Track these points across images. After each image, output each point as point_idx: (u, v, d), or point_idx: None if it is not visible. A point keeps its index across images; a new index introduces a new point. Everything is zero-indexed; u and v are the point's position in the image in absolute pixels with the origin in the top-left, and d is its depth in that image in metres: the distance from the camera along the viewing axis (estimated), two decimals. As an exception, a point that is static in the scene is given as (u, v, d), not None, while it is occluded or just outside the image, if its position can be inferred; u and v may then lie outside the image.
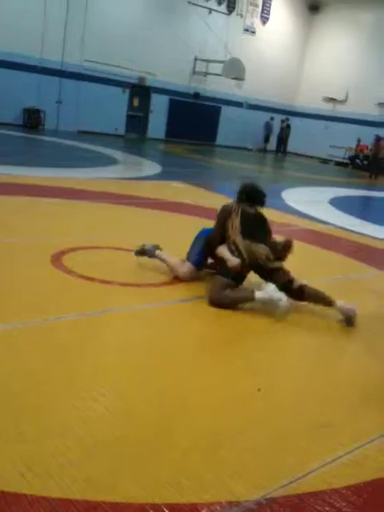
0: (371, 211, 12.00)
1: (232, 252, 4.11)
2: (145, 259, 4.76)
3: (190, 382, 2.92)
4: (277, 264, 4.13)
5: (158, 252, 4.71)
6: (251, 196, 4.35)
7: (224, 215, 4.30)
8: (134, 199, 8.02)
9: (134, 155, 15.26)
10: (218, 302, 3.98)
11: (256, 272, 4.21)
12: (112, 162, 12.58)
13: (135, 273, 4.63)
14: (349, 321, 3.96)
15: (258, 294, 3.92)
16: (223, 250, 4.15)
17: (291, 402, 2.89)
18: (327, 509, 2.08)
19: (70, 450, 2.19)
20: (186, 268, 4.48)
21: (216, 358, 3.29)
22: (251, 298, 3.96)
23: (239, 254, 4.07)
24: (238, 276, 4.10)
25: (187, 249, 4.64)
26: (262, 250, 4.12)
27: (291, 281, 4.06)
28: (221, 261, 4.21)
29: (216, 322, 3.85)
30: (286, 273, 4.11)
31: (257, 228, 4.27)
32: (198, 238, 4.61)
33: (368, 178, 17.50)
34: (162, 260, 4.67)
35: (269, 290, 3.91)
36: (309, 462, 2.34)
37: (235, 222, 4.19)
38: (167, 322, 3.71)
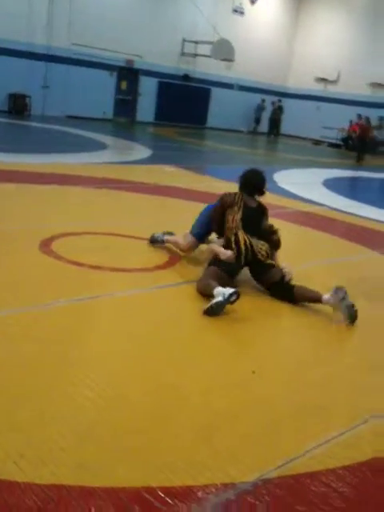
0: (365, 192, 11.97)
1: (229, 244, 4.01)
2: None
3: (183, 366, 2.90)
4: (271, 261, 4.04)
5: (166, 237, 4.84)
6: (252, 183, 4.28)
7: (225, 204, 4.22)
8: (125, 184, 7.94)
9: (123, 139, 15.11)
10: (199, 290, 3.85)
11: (250, 267, 4.10)
12: (101, 146, 12.46)
13: (127, 258, 4.58)
14: (350, 317, 3.65)
15: (216, 291, 3.61)
16: (214, 246, 4.13)
17: (285, 385, 2.87)
18: (323, 489, 2.08)
19: (63, 436, 2.17)
20: (187, 239, 4.58)
21: (209, 343, 3.27)
22: (211, 293, 3.65)
23: (238, 249, 3.98)
24: (231, 269, 3.98)
25: (186, 229, 4.65)
26: (261, 245, 4.03)
27: (283, 277, 3.94)
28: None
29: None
30: (279, 270, 3.99)
31: (257, 222, 4.19)
32: (202, 213, 4.65)
33: (355, 161, 17.28)
34: (169, 241, 4.82)
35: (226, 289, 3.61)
36: (304, 443, 2.34)
37: (237, 217, 4.10)
38: (159, 307, 3.68)
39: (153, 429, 2.30)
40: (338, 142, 22.81)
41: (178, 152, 13.82)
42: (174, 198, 7.40)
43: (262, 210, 4.30)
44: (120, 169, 9.63)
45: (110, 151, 12.38)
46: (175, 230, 4.99)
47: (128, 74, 20.54)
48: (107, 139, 14.01)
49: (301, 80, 25.29)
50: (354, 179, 13.69)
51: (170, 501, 1.91)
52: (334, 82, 24.57)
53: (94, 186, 7.43)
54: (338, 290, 3.67)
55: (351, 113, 21.78)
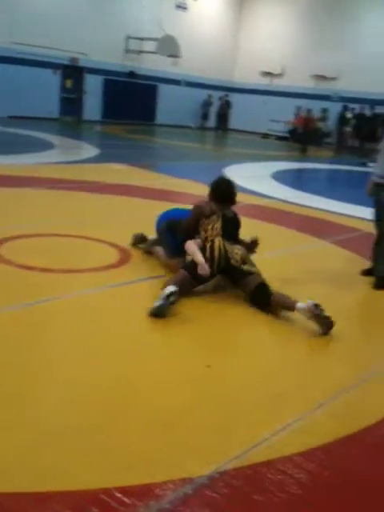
0: (312, 183, 12.20)
1: (203, 252, 3.91)
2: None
3: (138, 364, 2.89)
4: (250, 267, 3.88)
5: (155, 248, 4.66)
6: (224, 193, 4.19)
7: (201, 215, 4.10)
8: (74, 183, 7.82)
9: (70, 138, 14.89)
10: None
11: (227, 275, 3.99)
12: (48, 146, 12.23)
13: (78, 259, 4.53)
14: (325, 325, 3.42)
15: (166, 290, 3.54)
16: (195, 252, 3.91)
17: (241, 376, 2.90)
18: (279, 477, 2.11)
19: (17, 443, 2.12)
20: (173, 262, 4.35)
21: (164, 339, 3.27)
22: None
23: (211, 258, 3.89)
24: (202, 277, 3.89)
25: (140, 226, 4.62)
26: (237, 250, 3.93)
27: (263, 284, 3.80)
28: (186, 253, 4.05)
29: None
30: (257, 276, 3.86)
31: (234, 231, 4.16)
32: (160, 229, 4.52)
33: (299, 152, 17.40)
34: (155, 253, 4.65)
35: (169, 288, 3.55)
36: (260, 432, 2.36)
37: (216, 225, 4.03)
38: (112, 306, 3.65)
39: (108, 429, 2.28)
40: (285, 135, 23.16)
41: (126, 150, 13.73)
42: (124, 196, 7.34)
43: (237, 220, 4.25)
44: (68, 168, 9.48)
45: (58, 151, 12.18)
46: (129, 227, 4.95)
47: (73, 72, 20.22)
48: (54, 139, 13.77)
49: (246, 74, 25.51)
50: (301, 171, 13.94)
51: (127, 501, 1.90)
52: (278, 76, 24.90)
53: (43, 187, 7.29)
54: (315, 306, 3.42)
55: (296, 105, 22.16)
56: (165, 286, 3.64)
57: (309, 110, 18.19)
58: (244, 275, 3.85)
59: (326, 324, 3.39)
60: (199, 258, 3.86)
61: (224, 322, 3.60)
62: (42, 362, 2.78)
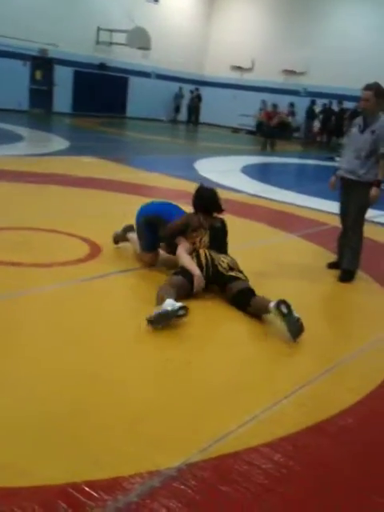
0: (281, 177, 12.30)
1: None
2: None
3: (108, 359, 2.89)
4: (235, 273, 3.85)
5: (129, 235, 4.68)
6: (209, 202, 4.16)
7: (187, 224, 4.08)
8: (43, 177, 7.73)
9: (40, 131, 14.69)
10: (157, 296, 3.55)
11: (215, 283, 3.90)
12: (17, 138, 12.05)
13: (48, 253, 4.48)
14: (294, 331, 3.32)
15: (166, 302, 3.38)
16: (192, 263, 3.86)
17: (210, 370, 2.93)
18: (246, 467, 2.15)
19: (-18, 439, 2.11)
20: (147, 257, 4.43)
21: (131, 333, 3.27)
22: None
23: (198, 266, 3.85)
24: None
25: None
26: (223, 258, 3.93)
27: (249, 289, 3.74)
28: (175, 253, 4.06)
29: (132, 297, 3.82)
30: (243, 281, 3.82)
31: (222, 240, 4.14)
32: (139, 224, 4.45)
33: (261, 148, 16.55)
34: (132, 243, 4.66)
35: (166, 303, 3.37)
36: (227, 424, 2.40)
37: (205, 239, 4.01)
38: (82, 301, 3.63)
39: (77, 423, 2.28)
40: (255, 129, 23.28)
41: (97, 143, 13.62)
42: (94, 189, 7.29)
43: (225, 228, 4.21)
44: (38, 161, 9.36)
45: (27, 143, 12.01)
46: (100, 221, 4.89)
47: (42, 64, 19.94)
48: (23, 131, 13.57)
49: (217, 68, 25.55)
50: (270, 165, 14.04)
51: (95, 494, 1.91)
52: (249, 70, 25.00)
53: (11, 180, 7.19)
54: (280, 303, 3.37)
55: (266, 100, 22.29)
56: (163, 291, 3.51)
57: (274, 105, 17.91)
58: (230, 280, 3.79)
59: (295, 328, 3.29)
60: (197, 270, 3.80)
61: (195, 318, 3.62)
62: (8, 356, 2.76)
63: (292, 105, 22.20)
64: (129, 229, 4.72)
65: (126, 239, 4.77)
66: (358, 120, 4.64)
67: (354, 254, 4.65)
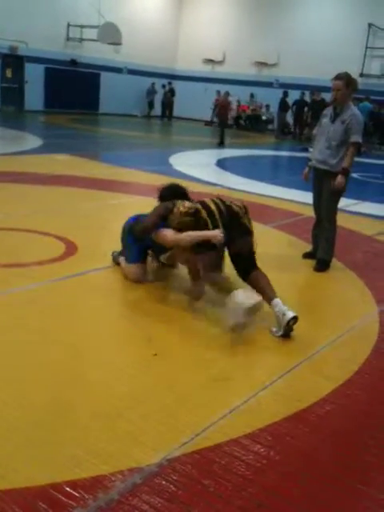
0: (255, 169, 12.34)
1: (198, 215, 3.53)
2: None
3: (83, 358, 2.87)
4: (249, 223, 3.69)
5: (120, 258, 4.15)
6: (178, 193, 3.92)
7: (167, 207, 3.69)
8: (15, 175, 7.64)
9: (11, 129, 14.49)
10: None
11: (232, 227, 3.59)
12: (-12, 138, 11.88)
13: (21, 252, 4.43)
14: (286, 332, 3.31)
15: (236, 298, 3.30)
16: (194, 234, 3.50)
17: (187, 363, 2.93)
18: (227, 460, 2.16)
19: None
20: (132, 270, 3.97)
21: (107, 331, 3.25)
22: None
23: (210, 214, 3.52)
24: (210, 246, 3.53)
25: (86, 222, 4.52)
26: (236, 201, 3.72)
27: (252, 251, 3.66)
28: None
29: (109, 295, 3.80)
30: (252, 242, 3.69)
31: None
32: (123, 237, 4.10)
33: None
34: (121, 263, 4.15)
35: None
36: (207, 417, 2.41)
37: (187, 203, 3.63)
38: (56, 300, 3.60)
39: (55, 424, 2.27)
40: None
41: (70, 140, 13.49)
42: (69, 187, 7.22)
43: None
44: (10, 160, 9.24)
45: (-2, 142, 11.84)
46: (75, 219, 4.85)
47: (13, 61, 19.65)
48: (-6, 130, 13.38)
49: (189, 62, 25.46)
50: (244, 158, 14.06)
51: (77, 494, 1.90)
52: (220, 63, 24.98)
53: (-18, 181, 7.08)
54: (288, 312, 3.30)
55: (239, 92, 22.30)
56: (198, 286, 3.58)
57: (226, 93, 17.09)
58: (245, 234, 3.58)
59: (286, 331, 3.29)
60: (203, 233, 3.46)
61: (171, 310, 3.62)
62: (-14, 360, 2.73)
63: (252, 96, 22.35)
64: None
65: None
66: (328, 110, 4.68)
67: (328, 244, 4.70)
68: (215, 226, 3.50)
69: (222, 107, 16.12)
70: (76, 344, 3.00)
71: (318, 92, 17.67)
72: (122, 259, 4.12)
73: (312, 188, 4.83)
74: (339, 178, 4.48)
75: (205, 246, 3.51)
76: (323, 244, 4.70)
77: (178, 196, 3.86)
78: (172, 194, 3.92)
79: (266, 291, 3.44)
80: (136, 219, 4.00)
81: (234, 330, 3.30)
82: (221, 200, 3.69)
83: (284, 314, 3.27)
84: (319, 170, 4.67)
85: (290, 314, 3.26)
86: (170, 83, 24.58)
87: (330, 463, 2.23)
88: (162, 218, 3.67)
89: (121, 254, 4.20)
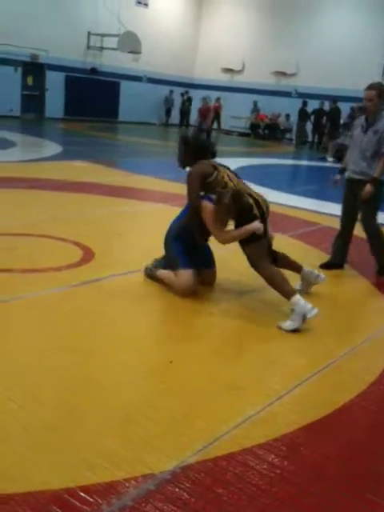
0: (272, 178, 12.32)
1: (243, 202, 3.62)
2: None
3: (98, 363, 2.89)
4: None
5: (158, 272, 3.99)
6: (208, 149, 3.96)
7: (200, 175, 3.75)
8: (35, 182, 7.73)
9: (32, 136, 14.68)
10: (257, 271, 3.70)
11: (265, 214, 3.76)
12: (9, 144, 12.03)
13: (38, 258, 4.48)
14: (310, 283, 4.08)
15: (295, 300, 3.48)
16: (237, 232, 3.63)
17: (202, 371, 2.93)
18: (240, 469, 2.15)
19: (-25, 446, 2.10)
20: (186, 276, 3.73)
21: (123, 336, 3.27)
22: (286, 296, 3.55)
23: (257, 205, 3.66)
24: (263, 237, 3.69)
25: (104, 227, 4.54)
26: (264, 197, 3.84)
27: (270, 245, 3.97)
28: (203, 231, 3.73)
29: (124, 301, 3.82)
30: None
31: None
32: (166, 244, 3.96)
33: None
34: (160, 279, 3.96)
35: (307, 305, 3.49)
36: (220, 425, 2.40)
37: (230, 173, 3.80)
38: (74, 306, 3.63)
39: (68, 428, 2.28)
40: (247, 131, 23.35)
41: (89, 147, 13.61)
42: (87, 193, 7.29)
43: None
44: (29, 166, 9.35)
45: (19, 149, 12.00)
46: (92, 225, 4.85)
47: (34, 69, 19.93)
48: (15, 137, 13.55)
49: (207, 71, 25.57)
50: (262, 167, 14.05)
51: (90, 499, 1.91)
52: (239, 72, 25.05)
53: (4, 186, 7.18)
54: (319, 274, 4.08)
55: (258, 102, 22.37)
56: (267, 271, 3.64)
57: (218, 98, 16.69)
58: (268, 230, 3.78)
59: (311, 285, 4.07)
60: (246, 229, 3.58)
61: (188, 317, 3.63)
62: (1, 363, 2.75)
63: (255, 104, 22.69)
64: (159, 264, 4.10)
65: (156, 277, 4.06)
66: (359, 120, 4.66)
67: (380, 251, 4.70)
68: (261, 214, 3.66)
69: (205, 113, 16.08)
70: (91, 349, 3.02)
71: (334, 101, 17.58)
72: (164, 272, 3.94)
73: (343, 198, 4.80)
74: (367, 187, 4.47)
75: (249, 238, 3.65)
76: (377, 253, 4.72)
77: (210, 154, 3.90)
78: (204, 153, 3.88)
79: (296, 263, 4.06)
80: (175, 225, 3.96)
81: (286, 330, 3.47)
82: (258, 194, 3.80)
83: (317, 276, 4.07)
84: (354, 180, 4.64)
85: (322, 277, 4.08)
86: (187, 92, 24.69)
87: (344, 474, 2.22)
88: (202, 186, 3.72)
89: (158, 265, 4.04)
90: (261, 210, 3.67)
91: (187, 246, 3.86)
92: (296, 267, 4.09)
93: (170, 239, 3.94)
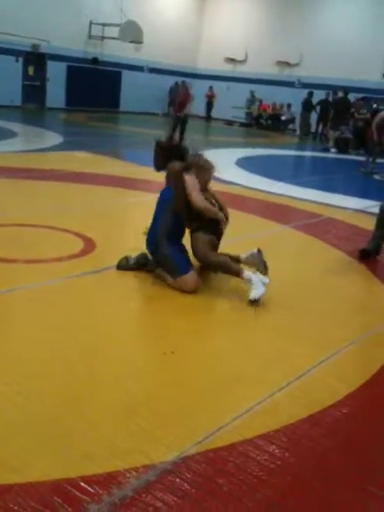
0: (275, 169, 12.27)
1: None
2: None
3: (99, 354, 2.89)
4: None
5: (158, 270, 3.96)
6: (180, 152, 4.33)
7: (186, 167, 4.09)
8: (36, 172, 7.71)
9: (33, 126, 14.62)
10: (206, 261, 3.91)
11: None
12: (10, 134, 11.98)
13: (42, 249, 4.47)
14: (265, 268, 3.95)
15: (247, 274, 3.72)
16: (207, 205, 3.94)
17: (203, 362, 2.93)
18: (241, 460, 2.15)
19: (-24, 436, 2.11)
20: (191, 279, 3.76)
21: (126, 328, 3.27)
22: (237, 274, 3.77)
23: (221, 208, 4.05)
24: (218, 232, 4.01)
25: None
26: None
27: None
28: (198, 217, 3.89)
29: (126, 292, 3.81)
30: None
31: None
32: (163, 241, 3.89)
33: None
34: (164, 277, 3.92)
35: (258, 275, 3.75)
36: (221, 416, 2.40)
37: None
38: (75, 296, 3.63)
39: (70, 419, 2.28)
40: (250, 121, 23.24)
41: (91, 137, 13.56)
42: (88, 184, 7.27)
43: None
44: (30, 157, 9.32)
45: (20, 139, 11.95)
46: (94, 216, 4.84)
47: (35, 59, 19.81)
48: (16, 127, 13.49)
49: (210, 61, 25.39)
50: (265, 157, 14.00)
51: (91, 490, 1.91)
52: (242, 62, 24.90)
53: (4, 176, 7.16)
54: (257, 253, 4.01)
55: (259, 91, 22.25)
56: (206, 255, 3.83)
57: (210, 87, 15.91)
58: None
59: (264, 267, 3.91)
60: (213, 210, 3.97)
61: (188, 309, 3.62)
62: (2, 353, 2.75)
63: (252, 93, 22.61)
64: (141, 258, 4.08)
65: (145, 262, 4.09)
66: None
67: None
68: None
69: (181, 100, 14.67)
70: (92, 340, 3.02)
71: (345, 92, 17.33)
72: (164, 274, 3.90)
73: None
74: None
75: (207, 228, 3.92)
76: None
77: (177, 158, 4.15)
78: (175, 154, 4.22)
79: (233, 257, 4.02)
80: (160, 221, 3.95)
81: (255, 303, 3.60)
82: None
83: (252, 253, 3.97)
84: None
85: (255, 249, 3.98)
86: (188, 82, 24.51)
87: (345, 466, 2.22)
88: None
89: (137, 262, 4.08)
90: (225, 214, 4.05)
91: (180, 243, 3.97)
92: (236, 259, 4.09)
93: (162, 241, 3.87)
